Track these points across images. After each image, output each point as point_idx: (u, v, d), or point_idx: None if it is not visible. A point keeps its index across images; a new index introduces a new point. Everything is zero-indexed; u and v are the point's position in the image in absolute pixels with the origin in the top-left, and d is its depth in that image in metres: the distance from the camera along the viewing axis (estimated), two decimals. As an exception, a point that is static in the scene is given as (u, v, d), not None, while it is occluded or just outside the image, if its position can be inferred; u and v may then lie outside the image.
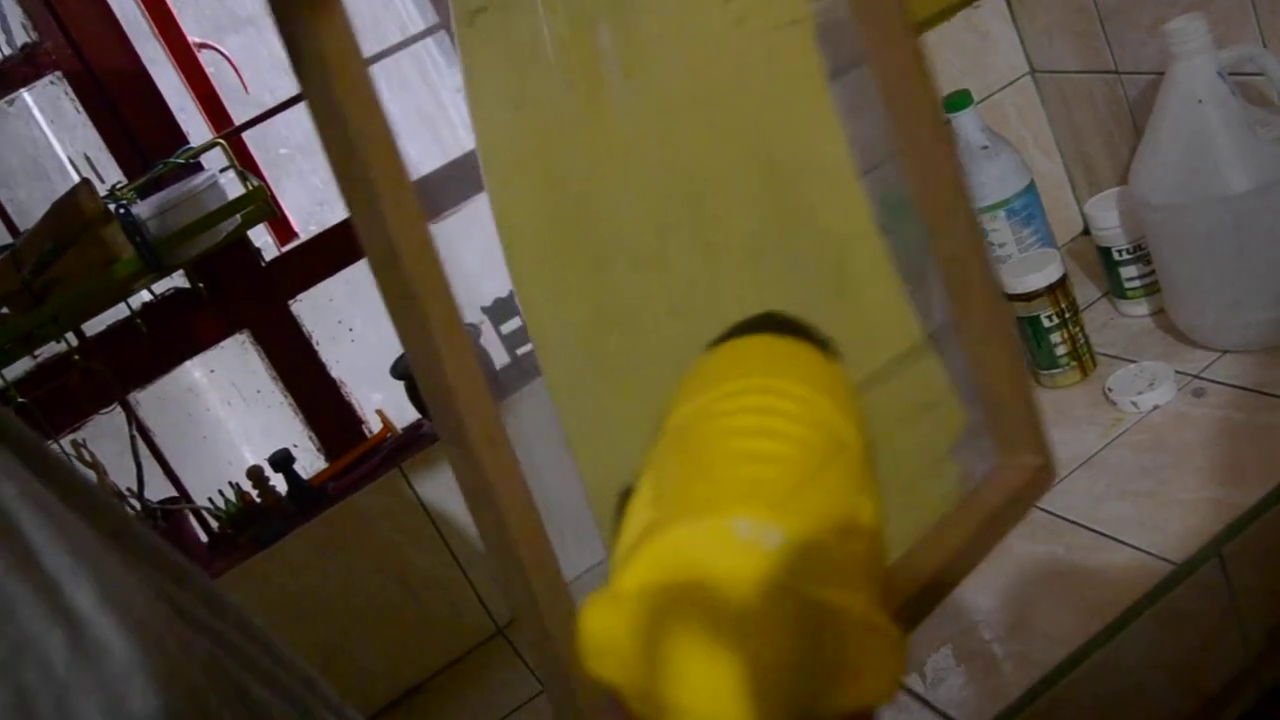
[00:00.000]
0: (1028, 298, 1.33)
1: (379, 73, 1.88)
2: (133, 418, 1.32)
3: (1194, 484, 1.14)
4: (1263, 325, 1.26)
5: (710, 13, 0.98)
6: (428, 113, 2.05)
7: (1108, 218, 1.43)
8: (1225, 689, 1.09)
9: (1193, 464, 1.17)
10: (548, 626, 0.73)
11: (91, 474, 1.20)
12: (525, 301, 0.96)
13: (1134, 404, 1.28)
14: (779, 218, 1.03)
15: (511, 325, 1.46)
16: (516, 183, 0.93)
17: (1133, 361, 1.34)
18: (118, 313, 1.31)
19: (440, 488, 1.39)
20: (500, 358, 1.47)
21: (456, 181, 1.51)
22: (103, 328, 1.33)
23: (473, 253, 1.55)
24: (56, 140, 1.45)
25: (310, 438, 1.45)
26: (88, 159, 1.32)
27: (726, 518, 0.35)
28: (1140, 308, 1.44)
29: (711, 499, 0.36)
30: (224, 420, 1.53)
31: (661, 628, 0.35)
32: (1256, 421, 1.18)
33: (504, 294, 1.45)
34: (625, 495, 0.42)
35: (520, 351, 1.46)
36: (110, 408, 1.32)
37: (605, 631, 0.36)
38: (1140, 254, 1.41)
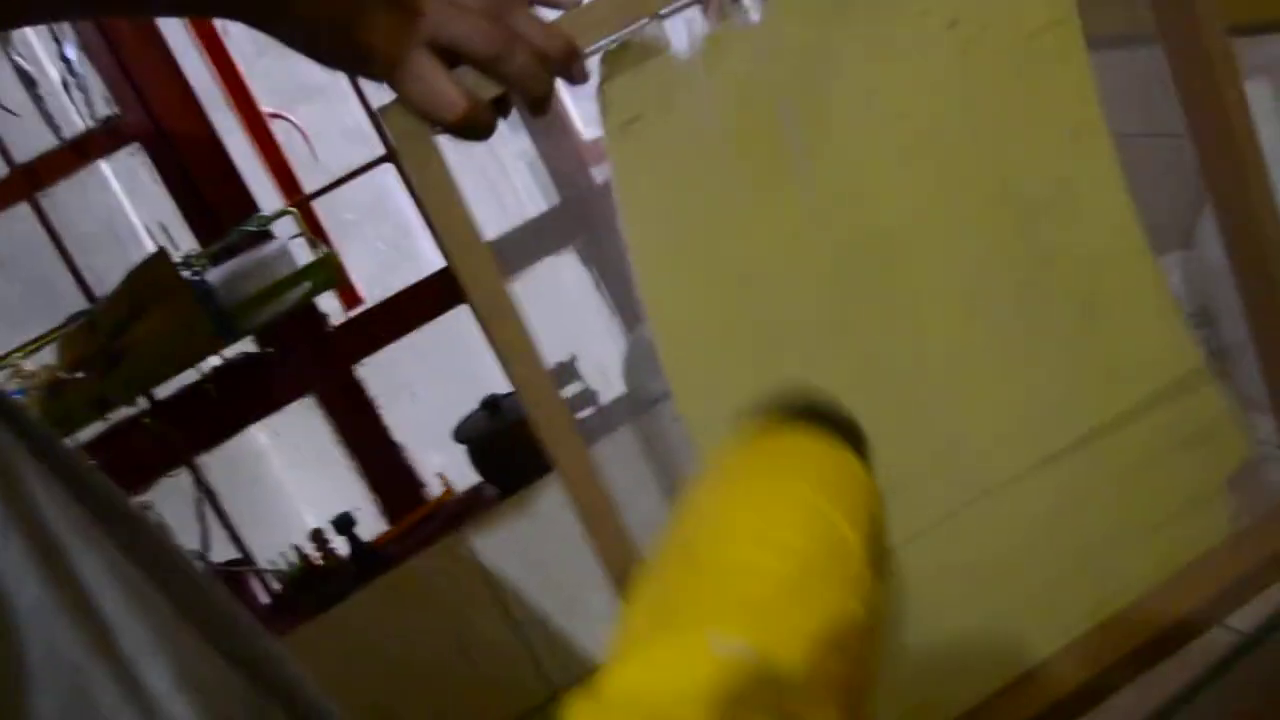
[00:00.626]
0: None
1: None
2: (199, 480, 1.34)
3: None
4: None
5: (930, 43, 0.94)
6: (489, 175, 2.08)
7: (1171, 279, 1.42)
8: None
9: None
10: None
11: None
12: (681, 395, 0.95)
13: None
14: (1011, 257, 1.00)
15: (573, 389, 1.47)
16: (674, 280, 0.91)
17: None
18: (187, 377, 1.34)
19: (500, 551, 1.39)
20: (560, 422, 1.48)
21: (519, 246, 1.54)
22: (172, 391, 1.36)
23: (535, 317, 1.57)
24: (132, 208, 1.49)
25: (372, 500, 1.47)
26: (163, 226, 1.35)
27: (704, 632, 0.36)
28: (1206, 375, 1.42)
29: (695, 611, 0.37)
30: (288, 482, 1.55)
31: None
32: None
33: (565, 358, 1.47)
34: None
35: (581, 415, 1.47)
36: (177, 470, 1.34)
37: None
38: (1207, 319, 1.40)
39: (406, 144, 0.74)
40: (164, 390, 1.34)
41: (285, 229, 1.38)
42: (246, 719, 0.42)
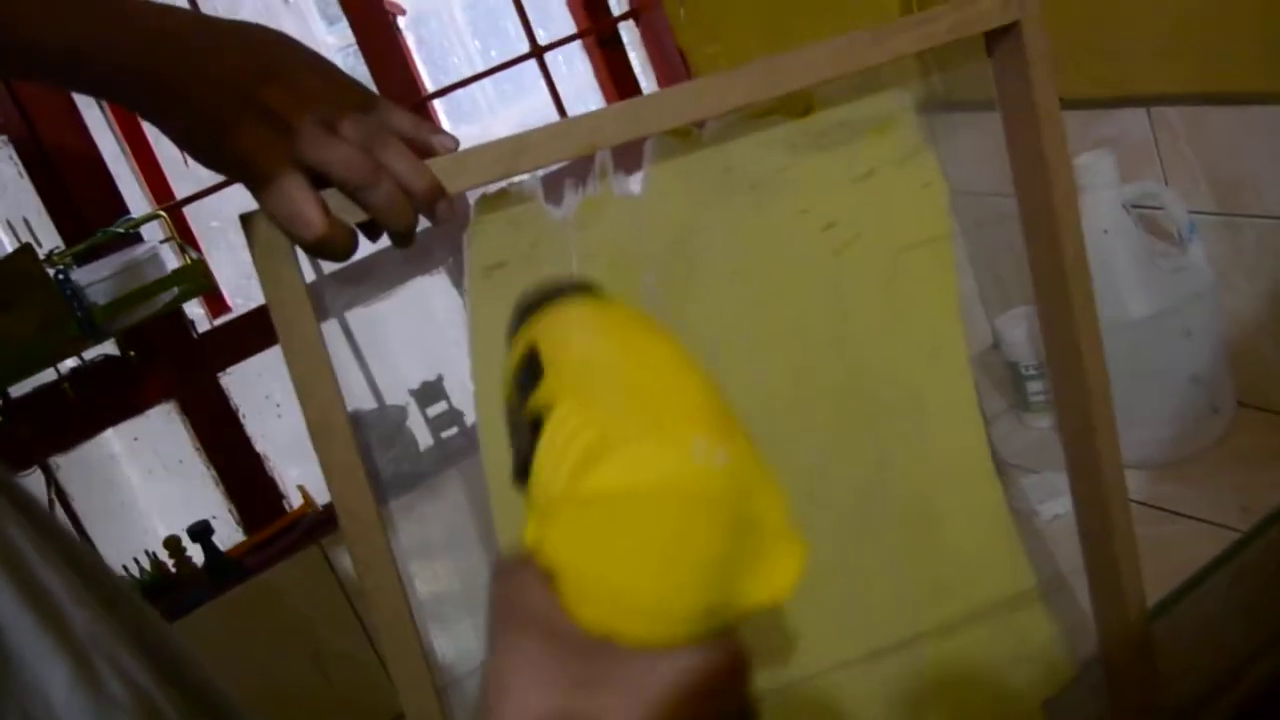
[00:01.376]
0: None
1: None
2: (52, 481, 1.31)
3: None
4: (1155, 443, 1.33)
5: (805, 239, 0.96)
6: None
7: (1016, 334, 1.50)
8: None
9: (1089, 574, 1.22)
10: None
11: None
12: (504, 534, 0.94)
13: (1036, 512, 1.34)
14: (853, 459, 1.01)
15: (437, 409, 1.48)
16: None
17: (1035, 472, 1.40)
18: (44, 376, 1.31)
19: (358, 566, 1.39)
20: (425, 439, 1.49)
21: (388, 267, 1.54)
22: (29, 390, 1.33)
23: (404, 335, 1.58)
24: (-8, 202, 1.45)
25: (230, 510, 1.45)
26: (26, 222, 1.32)
27: (685, 438, 0.41)
28: (1044, 420, 1.50)
29: (666, 422, 0.42)
30: (144, 489, 1.53)
31: (618, 526, 0.41)
32: (1149, 534, 1.23)
33: (431, 377, 1.48)
34: (523, 427, 0.47)
35: (445, 435, 1.48)
36: (30, 471, 1.31)
37: (570, 526, 0.42)
38: (1045, 370, 1.48)
39: (263, 253, 0.73)
40: (19, 389, 1.31)
41: (153, 233, 1.36)
42: (159, 695, 0.44)
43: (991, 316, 1.69)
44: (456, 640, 1.46)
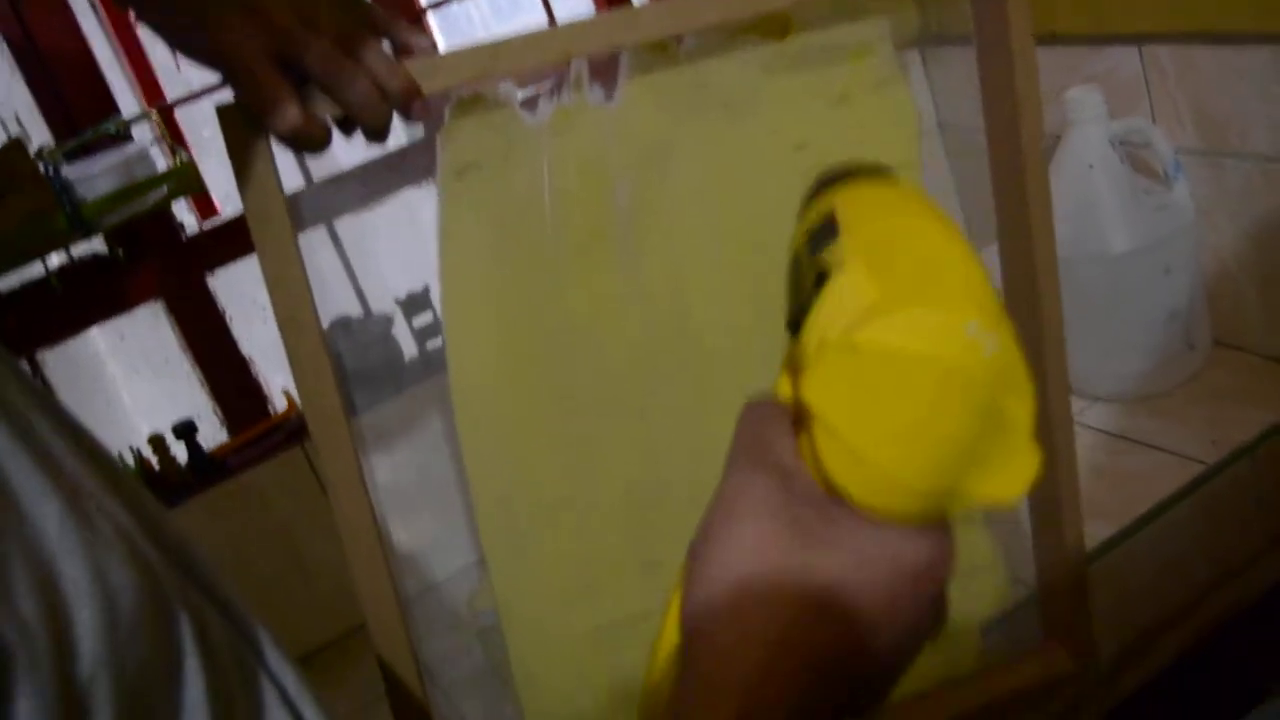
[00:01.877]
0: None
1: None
2: (38, 376, 1.32)
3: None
4: (1130, 377, 1.35)
5: (775, 160, 0.97)
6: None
7: (996, 269, 1.51)
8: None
9: (1057, 501, 1.24)
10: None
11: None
12: (468, 447, 0.94)
13: (1009, 441, 1.36)
14: None
15: (423, 320, 1.49)
16: (478, 332, 0.91)
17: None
18: (32, 270, 1.32)
19: (340, 471, 1.41)
20: (410, 350, 1.50)
21: (379, 177, 1.54)
22: (16, 285, 1.34)
23: (392, 246, 1.58)
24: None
25: (215, 411, 1.47)
26: (17, 118, 1.32)
27: (963, 316, 0.42)
28: (1022, 355, 1.52)
29: (949, 297, 0.43)
30: (129, 387, 1.54)
31: (880, 383, 0.42)
32: (1119, 464, 1.26)
33: (418, 289, 1.49)
34: (807, 280, 0.49)
35: (430, 345, 1.50)
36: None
37: (834, 372, 0.43)
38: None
39: (237, 144, 0.74)
40: (7, 283, 1.31)
41: (143, 135, 1.36)
42: (139, 536, 0.45)
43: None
44: (429, 551, 1.48)
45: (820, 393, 0.43)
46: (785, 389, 0.47)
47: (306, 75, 0.69)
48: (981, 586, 1.11)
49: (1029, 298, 1.03)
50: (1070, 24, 1.43)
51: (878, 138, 1.00)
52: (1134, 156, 1.35)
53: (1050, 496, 1.05)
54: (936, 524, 0.44)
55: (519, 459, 0.96)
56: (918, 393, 0.41)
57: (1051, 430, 1.02)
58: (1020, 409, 0.43)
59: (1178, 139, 1.34)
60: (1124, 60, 1.37)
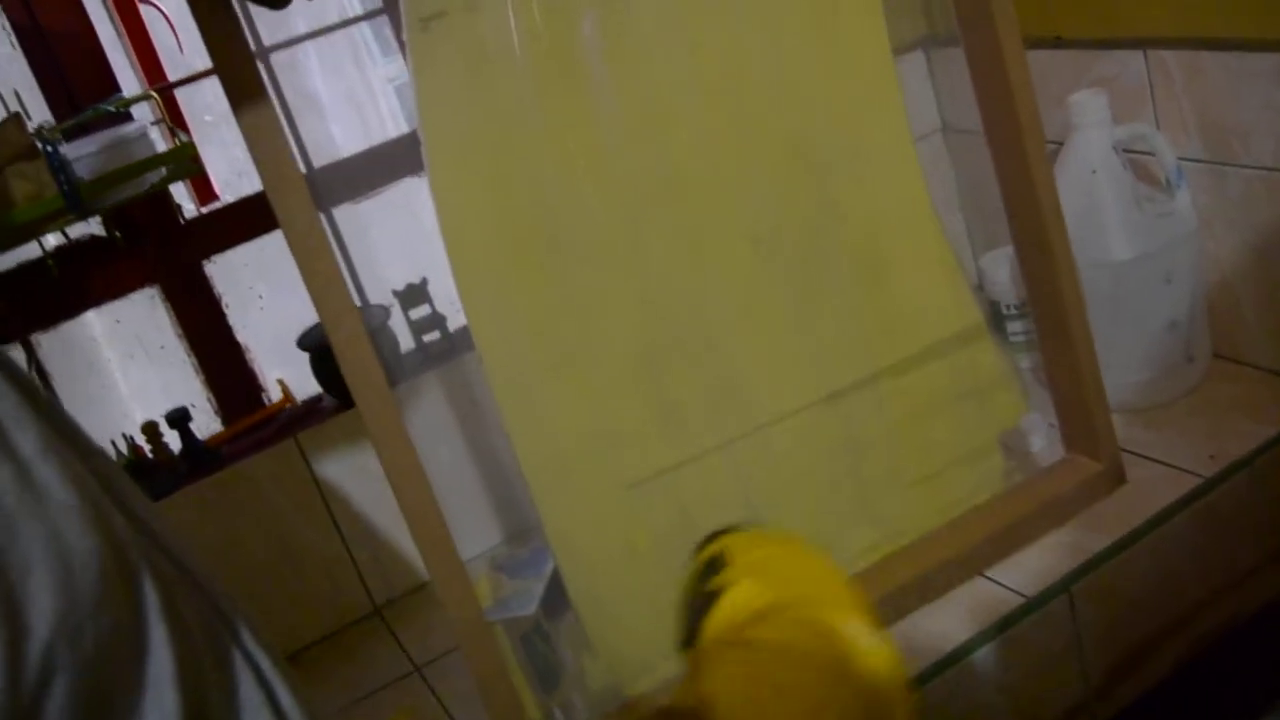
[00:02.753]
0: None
1: (311, 50, 1.90)
2: (33, 358, 1.32)
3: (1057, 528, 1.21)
4: (1130, 387, 1.34)
5: None
6: (356, 97, 2.07)
7: (999, 273, 1.51)
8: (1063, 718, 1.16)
9: (1054, 507, 1.24)
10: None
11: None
12: (466, 294, 0.94)
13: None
14: (801, 201, 1.01)
15: (420, 312, 1.49)
16: (465, 183, 0.91)
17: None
18: (29, 251, 1.31)
19: (334, 463, 1.40)
20: (406, 342, 1.49)
21: (378, 166, 1.54)
22: (13, 265, 1.33)
23: (388, 237, 1.58)
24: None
25: (209, 399, 1.46)
26: (17, 95, 1.32)
27: (845, 615, 0.48)
28: (1022, 360, 1.51)
29: (831, 600, 0.49)
30: (124, 372, 1.53)
31: (773, 675, 0.46)
32: (1115, 474, 1.26)
33: (415, 280, 1.48)
34: (698, 604, 0.55)
35: (427, 338, 1.49)
36: (10, 345, 1.31)
37: (731, 667, 0.48)
38: (1027, 310, 1.49)
39: (209, 17, 0.75)
40: (3, 263, 1.31)
41: (143, 116, 1.35)
42: (106, 503, 0.45)
43: (977, 255, 1.69)
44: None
45: (719, 685, 0.46)
46: (683, 700, 0.51)
47: None
48: (997, 403, 1.13)
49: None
50: (1075, 27, 1.43)
51: None
52: (1137, 163, 1.35)
53: (1056, 315, 1.06)
54: None
55: (520, 317, 0.97)
56: (812, 682, 0.45)
57: (1052, 248, 1.02)
58: (898, 700, 0.47)
59: (1181, 146, 1.33)
60: (1129, 64, 1.36)
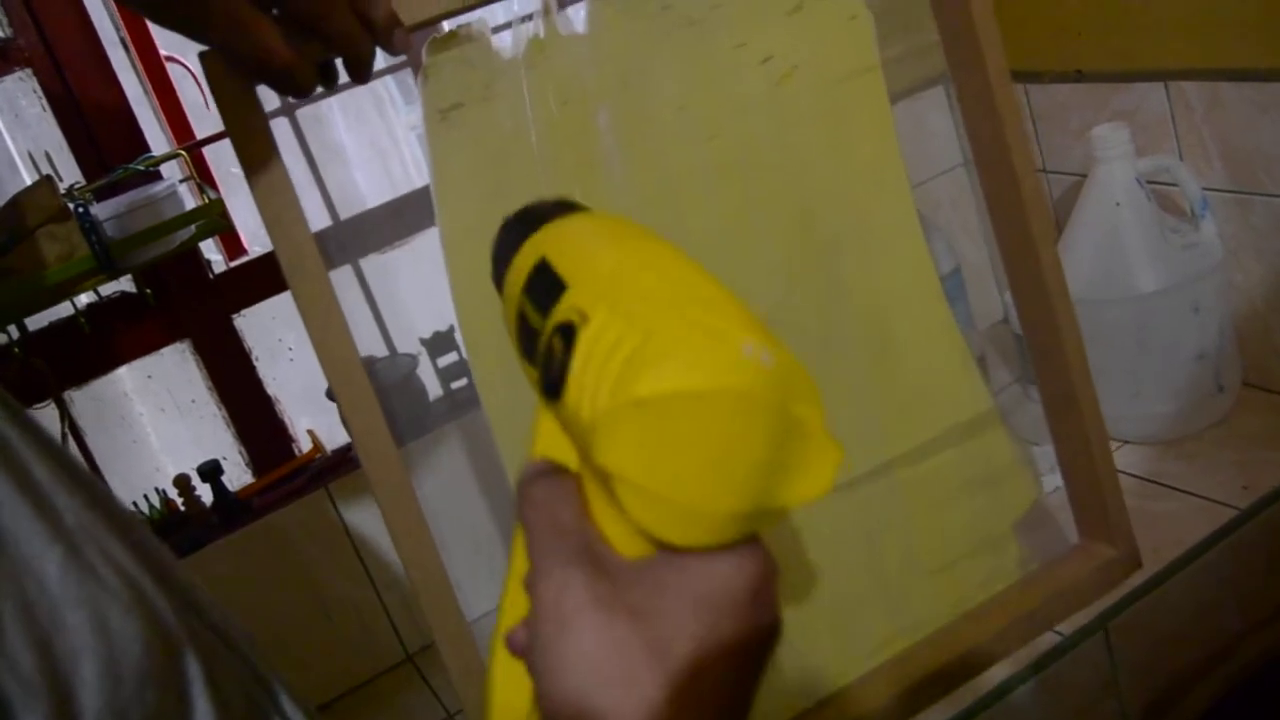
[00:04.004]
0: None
1: (334, 102, 1.92)
2: (66, 416, 1.33)
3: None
4: (1159, 419, 1.34)
5: (745, 74, 0.98)
6: (381, 146, 2.08)
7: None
8: (1101, 758, 1.15)
9: (1087, 543, 1.23)
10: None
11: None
12: (485, 393, 0.95)
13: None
14: (812, 290, 1.03)
15: (448, 359, 1.49)
16: (483, 275, 0.93)
17: (1038, 445, 1.41)
18: (61, 310, 1.33)
19: (364, 512, 1.41)
20: (434, 390, 1.50)
21: (403, 216, 1.55)
22: (45, 324, 1.35)
23: (414, 286, 1.59)
24: (10, 136, 1.46)
25: (240, 452, 1.47)
26: (48, 156, 1.34)
27: (735, 340, 0.42)
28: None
29: (713, 324, 0.42)
30: (156, 427, 1.54)
31: (674, 427, 0.41)
32: (1146, 509, 1.25)
33: (443, 328, 1.49)
34: (546, 343, 0.46)
35: (454, 386, 1.50)
36: (45, 404, 1.33)
37: (626, 432, 0.41)
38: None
39: (225, 93, 0.75)
40: (36, 322, 1.32)
41: (172, 174, 1.37)
42: (149, 584, 0.45)
43: (1001, 290, 1.69)
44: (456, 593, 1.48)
45: (616, 454, 0.42)
46: (548, 451, 0.47)
47: (286, 14, 0.69)
48: (1009, 490, 1.12)
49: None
50: (1095, 61, 1.43)
51: (837, 43, 1.02)
52: (1161, 194, 1.35)
53: (1064, 394, 1.06)
54: (753, 541, 0.44)
55: (526, 390, 0.97)
56: (713, 426, 0.41)
57: (1058, 328, 1.02)
58: (810, 411, 0.43)
59: (1205, 177, 1.33)
60: (1150, 97, 1.36)
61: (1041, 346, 1.08)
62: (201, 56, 0.75)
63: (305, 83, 0.71)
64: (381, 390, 1.42)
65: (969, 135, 1.04)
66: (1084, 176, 1.36)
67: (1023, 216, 1.02)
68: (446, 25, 0.89)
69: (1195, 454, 1.32)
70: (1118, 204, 1.29)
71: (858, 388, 1.06)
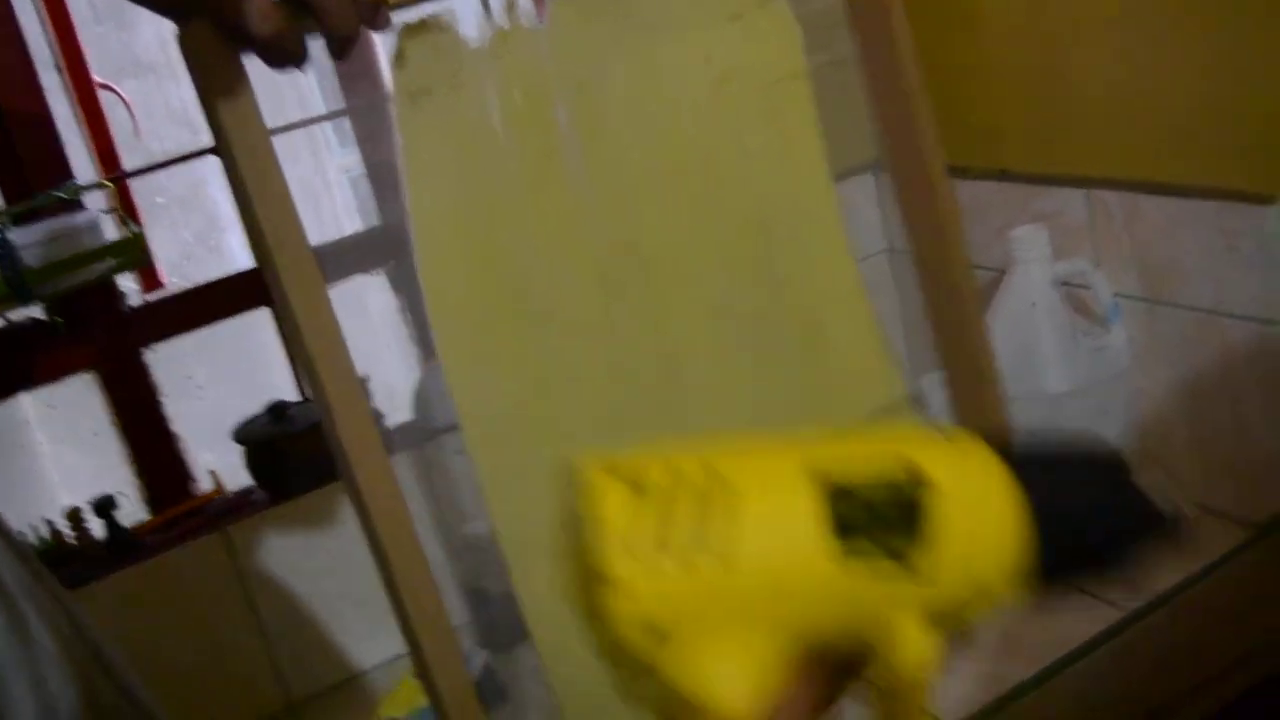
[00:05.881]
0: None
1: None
2: (-39, 440, 1.30)
3: (974, 655, 1.21)
4: (1061, 518, 1.36)
5: (690, 75, 1.04)
6: (312, 188, 2.08)
7: (935, 397, 1.52)
8: None
9: (977, 637, 1.24)
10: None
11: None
12: (450, 366, 0.97)
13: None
14: (752, 279, 1.08)
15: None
16: (450, 255, 0.96)
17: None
18: (-35, 332, 1.30)
19: (260, 556, 1.39)
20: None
21: (331, 260, 1.54)
22: (-53, 345, 1.32)
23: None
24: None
25: (137, 487, 1.44)
26: (-34, 178, 1.31)
27: None
28: (956, 485, 1.52)
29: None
30: (54, 457, 1.51)
31: None
32: (1037, 604, 1.26)
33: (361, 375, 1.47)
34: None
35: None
36: (-62, 425, 1.30)
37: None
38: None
39: (205, 69, 0.75)
40: (-63, 343, 1.29)
41: (95, 202, 1.35)
42: (81, 651, 0.44)
43: (916, 377, 1.71)
44: (349, 643, 1.45)
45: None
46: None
47: None
48: None
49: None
50: (1020, 162, 1.46)
51: (767, 49, 1.08)
52: (1075, 297, 1.38)
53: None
54: None
55: (497, 380, 0.99)
56: None
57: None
58: None
59: (1119, 283, 1.36)
60: (1072, 202, 1.39)
61: (967, 404, 1.12)
62: (181, 33, 0.74)
63: (295, 51, 0.71)
64: (291, 435, 1.40)
65: (906, 224, 1.07)
66: (1003, 273, 1.39)
67: (948, 262, 1.06)
68: (421, 13, 0.92)
69: (1092, 554, 1.34)
70: (1033, 304, 1.32)
71: (790, 375, 1.10)
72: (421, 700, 1.25)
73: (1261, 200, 1.19)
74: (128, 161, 1.46)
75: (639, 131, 1.02)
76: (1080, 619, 1.22)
